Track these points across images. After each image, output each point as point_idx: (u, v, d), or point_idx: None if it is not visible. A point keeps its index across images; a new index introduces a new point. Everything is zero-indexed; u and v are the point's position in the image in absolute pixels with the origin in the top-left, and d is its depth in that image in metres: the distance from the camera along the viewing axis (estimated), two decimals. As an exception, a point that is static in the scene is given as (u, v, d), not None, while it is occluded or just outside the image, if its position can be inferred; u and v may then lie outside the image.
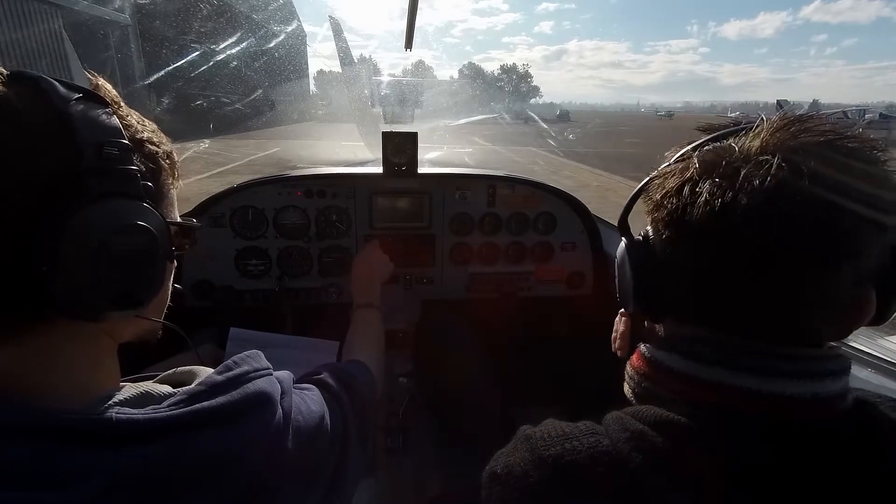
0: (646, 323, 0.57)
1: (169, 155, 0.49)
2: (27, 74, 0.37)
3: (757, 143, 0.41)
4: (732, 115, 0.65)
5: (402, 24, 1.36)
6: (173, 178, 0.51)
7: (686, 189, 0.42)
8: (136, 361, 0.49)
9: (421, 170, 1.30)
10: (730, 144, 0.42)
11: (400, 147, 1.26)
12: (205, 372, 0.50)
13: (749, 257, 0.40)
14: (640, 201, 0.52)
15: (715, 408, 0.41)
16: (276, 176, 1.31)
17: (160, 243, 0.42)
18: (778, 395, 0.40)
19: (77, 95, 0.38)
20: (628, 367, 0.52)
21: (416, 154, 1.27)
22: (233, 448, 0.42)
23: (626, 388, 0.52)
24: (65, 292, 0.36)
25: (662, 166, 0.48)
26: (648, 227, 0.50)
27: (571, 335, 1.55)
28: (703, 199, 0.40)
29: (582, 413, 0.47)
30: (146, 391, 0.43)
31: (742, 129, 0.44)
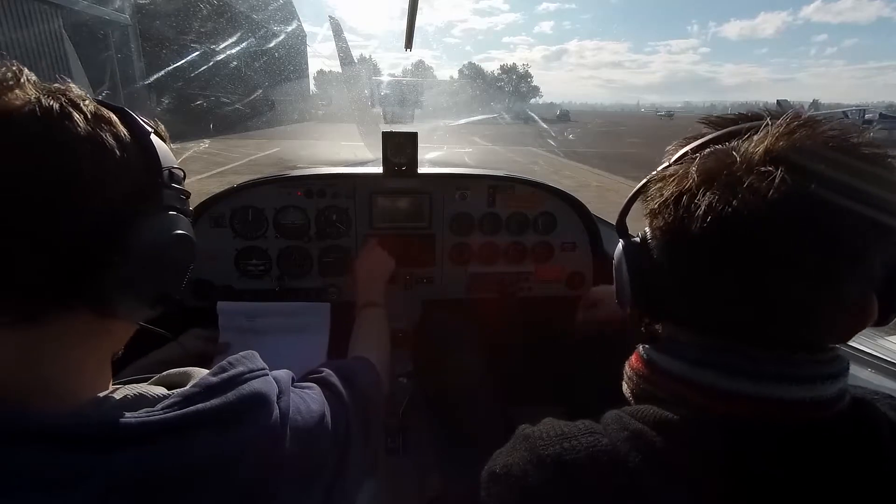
0: (645, 323, 0.56)
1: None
2: (112, 107, 0.44)
3: (761, 149, 0.38)
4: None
5: (403, 24, 1.36)
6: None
7: (684, 199, 0.41)
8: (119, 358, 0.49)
9: (421, 170, 1.30)
10: (731, 150, 0.40)
11: (400, 147, 1.26)
12: (199, 373, 0.49)
13: (750, 269, 0.39)
14: (639, 200, 0.52)
15: (713, 411, 0.41)
16: (276, 176, 1.31)
17: (195, 252, 0.51)
18: (777, 399, 0.40)
19: (151, 130, 0.46)
20: (627, 368, 0.52)
21: (416, 154, 1.27)
22: (228, 451, 0.41)
23: (625, 387, 0.52)
24: (120, 283, 0.41)
25: (661, 167, 0.47)
26: (647, 229, 0.49)
27: (571, 335, 1.55)
28: (701, 211, 0.39)
29: (581, 412, 0.47)
30: (141, 393, 0.43)
31: (745, 128, 0.42)
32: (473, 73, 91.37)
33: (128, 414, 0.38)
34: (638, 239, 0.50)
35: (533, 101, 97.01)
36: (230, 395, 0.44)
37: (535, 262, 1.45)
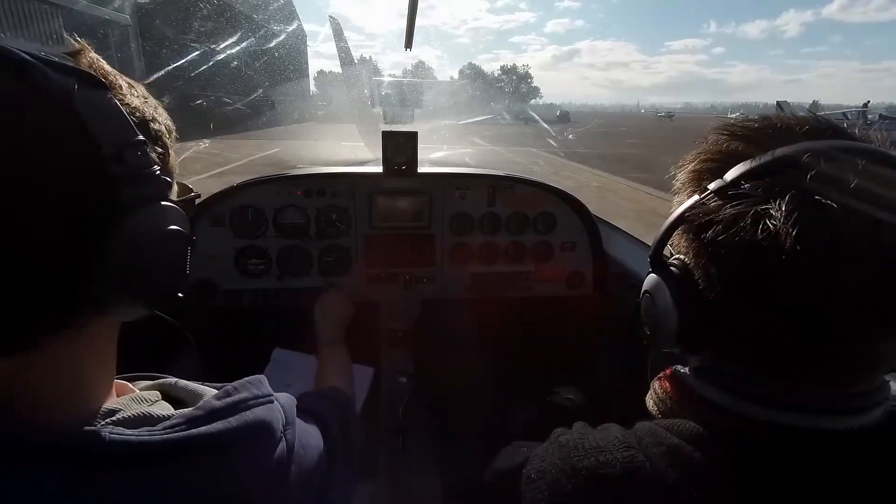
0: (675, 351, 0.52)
1: (169, 129, 0.45)
2: (10, 56, 0.30)
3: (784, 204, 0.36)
4: (732, 115, 0.65)
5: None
6: (174, 151, 0.46)
7: (736, 236, 0.38)
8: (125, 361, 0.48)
9: (421, 169, 1.30)
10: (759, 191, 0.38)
11: (400, 147, 1.26)
12: (207, 392, 0.48)
13: (817, 307, 0.37)
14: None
15: (755, 437, 0.41)
16: (276, 175, 1.31)
17: (187, 237, 0.43)
18: (824, 430, 0.39)
19: (75, 81, 0.33)
20: (657, 386, 0.51)
21: (416, 154, 1.27)
22: (226, 479, 0.40)
23: (650, 402, 0.51)
24: (112, 288, 0.36)
25: (693, 200, 0.43)
26: (686, 259, 0.46)
27: (571, 335, 1.55)
28: (755, 248, 0.36)
29: (581, 412, 0.47)
30: (146, 413, 0.41)
31: (767, 166, 0.39)
32: (474, 74, 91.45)
33: (128, 432, 0.37)
34: (676, 270, 0.46)
35: (533, 101, 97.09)
36: (232, 421, 0.42)
37: (535, 262, 1.45)
